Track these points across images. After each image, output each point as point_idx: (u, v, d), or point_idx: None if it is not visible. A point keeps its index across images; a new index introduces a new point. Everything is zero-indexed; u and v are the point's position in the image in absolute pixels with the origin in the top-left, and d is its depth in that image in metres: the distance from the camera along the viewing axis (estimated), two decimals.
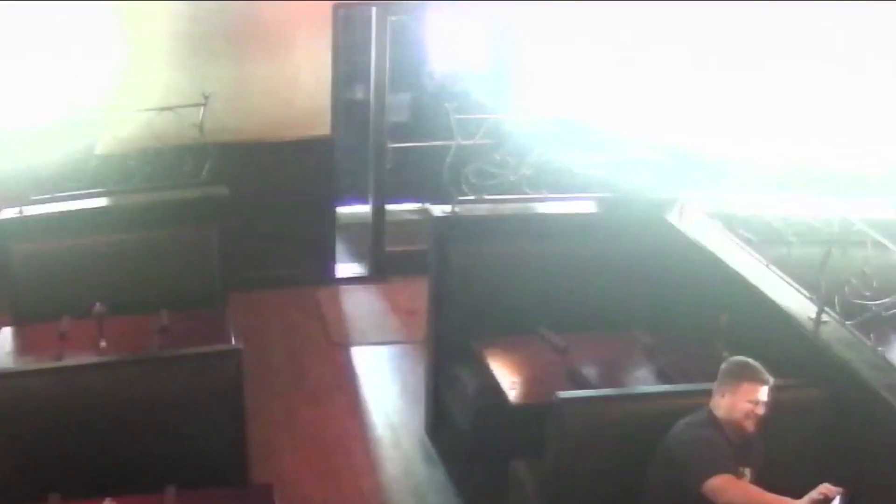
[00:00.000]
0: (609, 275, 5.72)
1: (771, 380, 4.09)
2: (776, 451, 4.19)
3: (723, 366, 4.20)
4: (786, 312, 4.83)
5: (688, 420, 4.16)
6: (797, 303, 4.87)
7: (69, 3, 6.83)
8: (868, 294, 4.47)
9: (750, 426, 4.07)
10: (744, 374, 4.09)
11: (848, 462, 4.26)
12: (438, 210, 5.86)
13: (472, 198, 5.87)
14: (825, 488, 3.89)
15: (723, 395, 4.10)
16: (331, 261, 8.25)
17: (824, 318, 4.65)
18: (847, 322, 4.58)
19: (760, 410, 4.06)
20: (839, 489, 3.89)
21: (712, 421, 4.11)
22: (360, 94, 8.77)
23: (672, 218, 5.91)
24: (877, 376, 4.28)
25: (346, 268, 8.36)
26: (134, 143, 6.29)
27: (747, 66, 6.92)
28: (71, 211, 5.87)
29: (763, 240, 5.29)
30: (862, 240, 4.58)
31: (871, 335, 4.48)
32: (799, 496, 3.94)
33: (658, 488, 4.17)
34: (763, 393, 4.06)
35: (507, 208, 6.02)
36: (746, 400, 4.05)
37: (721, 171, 6.03)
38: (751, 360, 4.14)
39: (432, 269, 5.89)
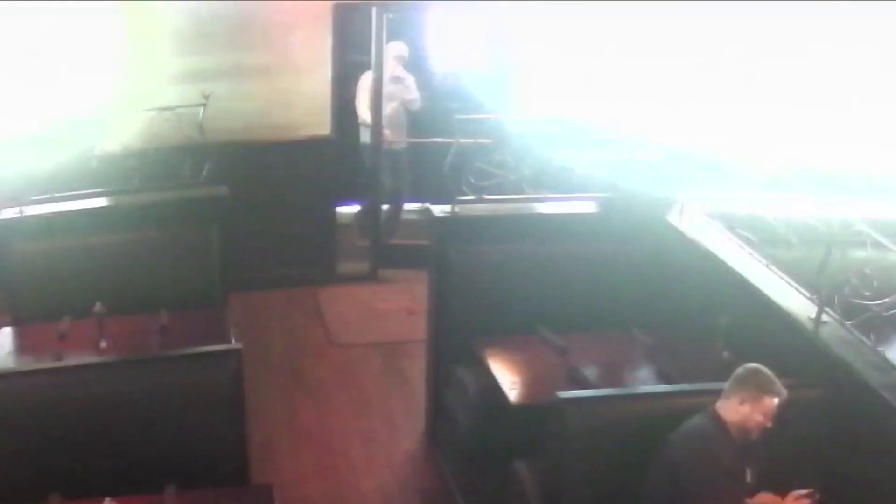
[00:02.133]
0: (609, 275, 5.72)
1: (785, 392, 4.06)
2: (776, 451, 4.19)
3: (741, 373, 4.11)
4: (786, 312, 4.83)
5: (692, 425, 4.11)
6: (797, 303, 4.87)
7: (69, 3, 6.83)
8: (868, 294, 4.47)
9: (756, 434, 4.06)
10: (768, 389, 4.02)
11: (848, 462, 4.26)
12: (438, 210, 5.86)
13: (472, 198, 5.87)
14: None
15: (741, 403, 4.03)
16: (331, 261, 8.25)
17: (824, 318, 4.65)
18: (847, 322, 4.58)
19: (769, 422, 4.05)
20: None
21: (719, 425, 4.07)
22: None
23: (672, 218, 5.91)
24: (877, 376, 4.28)
25: (346, 268, 8.36)
26: (134, 143, 6.29)
27: (747, 66, 6.92)
28: (71, 211, 5.87)
29: (763, 240, 5.29)
30: (862, 240, 4.59)
31: (871, 335, 4.48)
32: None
33: (657, 491, 4.16)
34: (776, 405, 4.05)
35: (507, 208, 6.02)
36: (763, 413, 4.03)
37: (721, 171, 6.03)
38: (770, 373, 4.07)
39: (432, 269, 5.89)
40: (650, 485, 4.20)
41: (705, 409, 4.14)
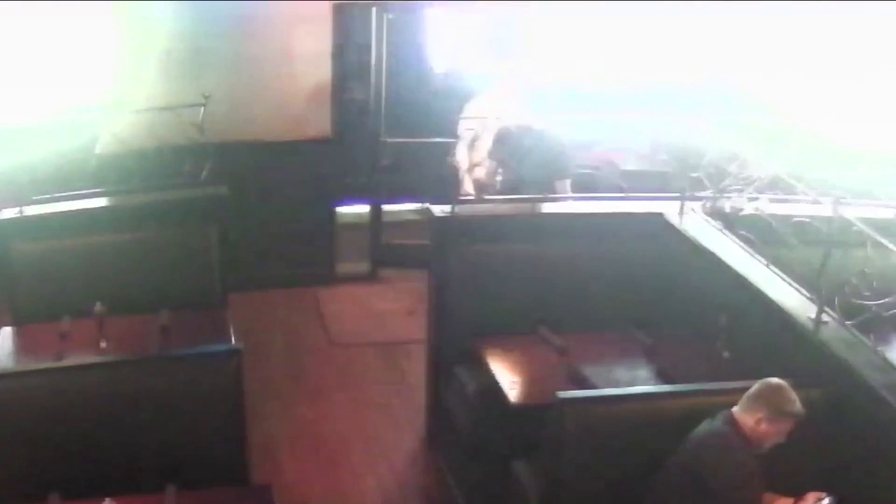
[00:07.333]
0: (609, 275, 5.72)
1: (803, 411, 4.03)
2: (776, 451, 4.19)
3: (761, 389, 4.05)
4: (786, 312, 4.83)
5: (713, 430, 4.08)
6: (797, 303, 4.87)
7: (69, 4, 6.84)
8: (868, 294, 4.47)
9: (769, 448, 4.06)
10: (786, 411, 4.00)
11: (848, 462, 4.26)
12: (438, 210, 5.85)
13: (472, 198, 5.87)
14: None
15: (757, 423, 4.01)
16: (331, 261, 8.25)
17: (824, 318, 4.64)
18: (847, 322, 4.58)
19: (784, 439, 4.06)
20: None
21: (738, 433, 4.04)
22: (360, 94, 8.75)
23: (672, 218, 5.90)
24: (877, 376, 4.28)
25: (346, 268, 8.36)
26: (134, 143, 6.29)
27: (747, 67, 6.94)
28: (71, 211, 5.86)
29: (763, 240, 5.29)
30: (862, 240, 4.59)
31: (871, 335, 4.48)
32: (798, 496, 3.96)
33: (675, 493, 4.12)
34: (793, 424, 4.04)
35: (507, 208, 6.02)
36: (780, 433, 4.03)
37: (721, 171, 6.03)
38: (789, 390, 4.03)
39: (432, 269, 5.89)
40: (665, 486, 4.17)
41: (722, 414, 4.10)
